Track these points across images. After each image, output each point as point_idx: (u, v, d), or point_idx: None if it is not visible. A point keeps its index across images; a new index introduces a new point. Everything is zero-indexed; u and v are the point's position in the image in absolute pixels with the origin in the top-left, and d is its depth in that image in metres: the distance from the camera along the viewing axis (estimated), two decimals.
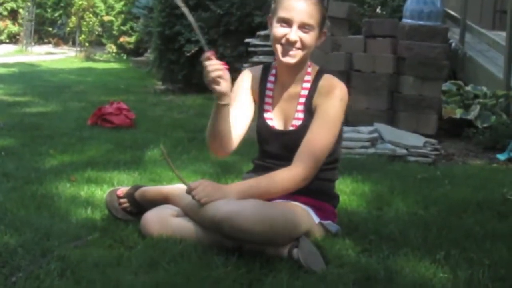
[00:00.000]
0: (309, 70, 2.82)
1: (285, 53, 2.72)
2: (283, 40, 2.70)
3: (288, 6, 2.69)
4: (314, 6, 2.69)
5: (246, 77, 2.94)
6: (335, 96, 2.73)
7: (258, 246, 2.56)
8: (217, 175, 3.87)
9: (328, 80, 2.77)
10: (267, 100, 2.88)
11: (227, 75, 2.67)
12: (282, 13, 2.70)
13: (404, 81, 6.19)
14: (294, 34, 2.68)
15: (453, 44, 7.77)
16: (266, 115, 2.87)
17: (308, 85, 2.79)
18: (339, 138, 2.84)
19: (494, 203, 3.53)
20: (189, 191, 2.58)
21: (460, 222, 3.14)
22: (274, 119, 2.85)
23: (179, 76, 9.25)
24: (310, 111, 2.75)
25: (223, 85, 2.66)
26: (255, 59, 8.39)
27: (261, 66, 2.96)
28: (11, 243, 2.60)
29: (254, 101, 2.93)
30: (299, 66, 2.78)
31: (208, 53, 2.65)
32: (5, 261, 2.43)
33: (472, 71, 7.35)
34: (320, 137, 2.69)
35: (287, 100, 2.83)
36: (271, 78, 2.89)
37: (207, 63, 2.63)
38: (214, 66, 2.63)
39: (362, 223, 3.04)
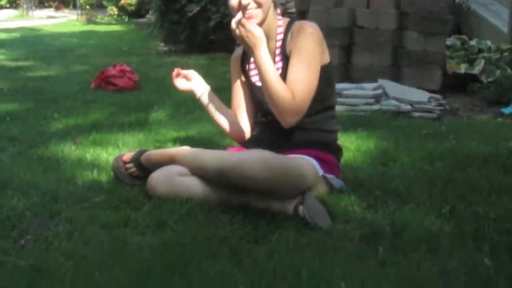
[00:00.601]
0: (280, 23, 2.88)
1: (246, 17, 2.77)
2: (239, 8, 2.73)
3: None
4: None
5: (233, 64, 3.12)
6: (304, 32, 2.77)
7: (263, 203, 2.57)
8: (221, 135, 3.87)
9: (298, 24, 2.84)
10: (252, 66, 2.96)
11: (192, 75, 3.10)
12: None
13: (407, 36, 6.14)
14: None
15: None
16: (253, 79, 2.96)
17: (281, 36, 2.86)
18: (330, 85, 2.91)
19: (500, 157, 3.53)
20: (237, 22, 2.68)
21: (465, 176, 3.14)
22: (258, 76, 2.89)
23: (182, 36, 9.19)
24: (286, 57, 2.82)
25: (182, 84, 3.11)
26: None
27: None
28: (19, 207, 2.62)
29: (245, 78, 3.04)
30: (268, 24, 2.82)
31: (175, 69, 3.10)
32: (13, 225, 2.46)
33: (476, 25, 7.30)
34: (301, 75, 2.72)
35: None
36: None
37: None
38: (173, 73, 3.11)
39: (367, 179, 3.05)
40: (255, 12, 2.73)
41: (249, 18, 2.70)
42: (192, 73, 3.11)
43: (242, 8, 2.72)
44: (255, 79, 2.94)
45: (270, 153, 2.56)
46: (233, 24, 2.69)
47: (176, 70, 3.09)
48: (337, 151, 2.96)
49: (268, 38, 2.79)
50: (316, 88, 2.75)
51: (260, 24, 2.75)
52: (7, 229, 2.42)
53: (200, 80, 3.11)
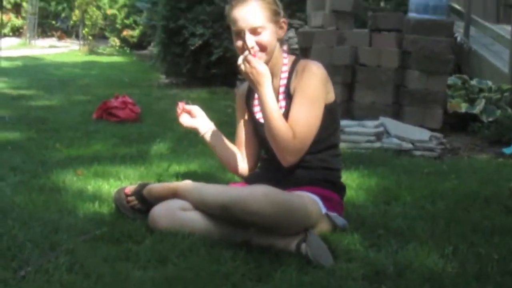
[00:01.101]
0: (286, 61, 2.88)
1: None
2: (243, 50, 2.75)
3: (233, 19, 2.77)
4: (257, 8, 2.75)
5: (237, 99, 3.14)
6: (309, 72, 2.77)
7: (266, 240, 2.56)
8: (223, 170, 3.86)
9: (303, 63, 2.84)
10: (256, 102, 2.95)
11: (196, 111, 3.09)
12: (232, 27, 2.79)
13: (409, 75, 6.18)
14: (248, 41, 2.73)
15: (458, 38, 7.75)
16: (257, 115, 2.95)
17: (286, 74, 2.87)
18: (334, 123, 2.91)
19: (501, 197, 3.53)
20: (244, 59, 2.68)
21: (467, 216, 3.13)
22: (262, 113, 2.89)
23: (184, 69, 9.24)
24: (289, 96, 2.82)
25: (186, 121, 3.11)
26: None
27: None
28: (20, 237, 2.60)
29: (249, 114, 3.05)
30: (273, 61, 2.83)
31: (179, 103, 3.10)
32: (14, 255, 2.43)
33: (477, 65, 7.34)
34: (302, 111, 2.73)
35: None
36: None
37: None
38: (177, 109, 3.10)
39: (370, 218, 3.04)
40: (259, 55, 2.74)
41: (255, 55, 2.71)
42: (196, 110, 3.11)
43: (247, 50, 2.73)
44: (259, 115, 2.93)
45: (274, 188, 2.56)
46: (240, 60, 2.70)
47: (180, 106, 3.09)
48: (340, 189, 2.96)
49: (272, 75, 2.79)
50: (318, 128, 2.76)
51: (265, 63, 2.75)
52: (8, 259, 2.40)
53: (204, 117, 3.11)
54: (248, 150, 3.07)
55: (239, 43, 2.76)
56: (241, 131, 3.09)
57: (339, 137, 3.02)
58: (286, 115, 2.77)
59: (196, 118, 3.11)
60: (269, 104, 2.70)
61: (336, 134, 2.95)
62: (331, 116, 2.84)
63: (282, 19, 2.83)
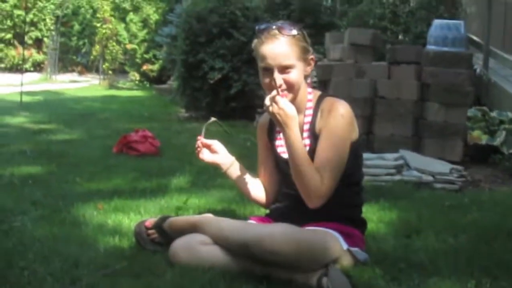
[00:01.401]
0: (310, 97, 2.85)
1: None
2: (270, 87, 2.72)
3: (262, 55, 2.73)
4: (287, 45, 2.71)
5: (259, 131, 3.08)
6: (336, 113, 2.74)
7: (286, 273, 2.55)
8: (243, 203, 3.87)
9: (329, 101, 2.81)
10: (278, 136, 2.93)
11: (217, 146, 3.04)
12: (260, 63, 2.76)
13: (429, 107, 6.16)
14: (278, 79, 2.70)
15: (478, 70, 7.74)
16: (279, 149, 2.93)
17: (310, 111, 2.83)
18: (357, 160, 2.88)
19: None
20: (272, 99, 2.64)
21: (490, 249, 3.10)
22: (283, 147, 2.87)
23: (203, 103, 9.27)
24: (314, 135, 2.79)
25: (207, 157, 3.06)
26: None
27: None
28: (40, 271, 2.61)
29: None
30: (298, 98, 2.80)
31: (198, 137, 3.08)
32: None
33: (496, 96, 7.31)
34: (331, 154, 2.71)
35: None
36: None
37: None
38: (197, 146, 3.05)
39: (391, 251, 3.02)
40: (285, 93, 2.71)
41: (283, 95, 2.68)
42: (216, 145, 3.07)
43: (273, 89, 2.70)
44: (280, 150, 2.91)
45: (294, 227, 2.55)
46: (267, 101, 2.67)
47: (199, 143, 3.06)
48: (362, 224, 2.94)
49: (297, 111, 2.77)
50: (343, 170, 2.74)
51: (291, 101, 2.74)
52: None
53: (225, 152, 3.08)
54: (270, 184, 3.04)
55: (267, 79, 2.73)
56: (263, 163, 3.06)
57: (362, 173, 2.98)
58: (310, 153, 2.75)
59: (217, 154, 3.07)
60: (297, 147, 2.68)
61: (359, 171, 2.93)
62: (355, 153, 2.82)
63: (311, 56, 2.81)
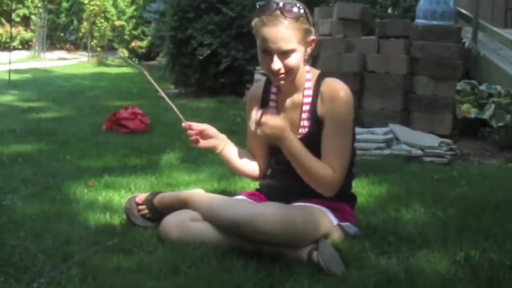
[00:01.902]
0: (309, 76, 2.78)
1: (274, 79, 2.73)
2: (268, 69, 2.68)
3: (263, 37, 2.63)
4: (289, 29, 2.61)
5: (250, 102, 2.94)
6: (339, 100, 2.68)
7: (277, 249, 2.56)
8: (233, 179, 3.88)
9: (329, 84, 2.72)
10: (271, 111, 2.84)
11: (210, 130, 2.91)
12: (259, 42, 2.67)
13: (418, 81, 6.17)
14: (276, 64, 2.63)
15: (466, 44, 7.75)
16: None
17: (310, 92, 2.76)
18: (354, 135, 2.84)
19: None
20: (257, 122, 2.53)
21: (479, 222, 3.12)
22: None
23: (192, 79, 9.26)
24: (316, 119, 2.73)
25: (203, 143, 2.88)
26: None
27: (263, 80, 2.94)
28: (32, 249, 2.61)
29: None
30: (296, 77, 2.74)
31: (184, 124, 2.89)
32: (26, 267, 2.45)
33: (485, 70, 7.33)
34: (339, 143, 2.68)
35: (291, 109, 2.81)
36: (274, 89, 2.88)
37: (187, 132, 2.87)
38: (190, 135, 2.86)
39: (381, 225, 3.03)
40: (283, 76, 2.67)
41: (264, 113, 2.57)
42: (209, 129, 2.93)
43: (271, 72, 2.66)
44: None
45: (285, 207, 2.56)
46: (252, 126, 2.55)
47: (190, 129, 2.88)
48: (351, 199, 2.93)
49: (294, 89, 2.75)
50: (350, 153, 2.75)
51: (290, 82, 2.72)
52: (20, 272, 2.41)
53: (218, 133, 2.95)
54: (261, 157, 2.99)
55: (264, 59, 2.66)
56: (253, 139, 2.96)
57: (355, 149, 2.93)
58: (309, 134, 2.73)
59: (212, 138, 2.92)
60: (300, 152, 2.63)
61: (352, 147, 2.88)
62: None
63: (312, 37, 2.72)
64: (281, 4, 2.62)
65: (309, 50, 2.73)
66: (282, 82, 2.71)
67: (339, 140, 2.68)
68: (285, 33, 2.60)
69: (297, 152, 2.63)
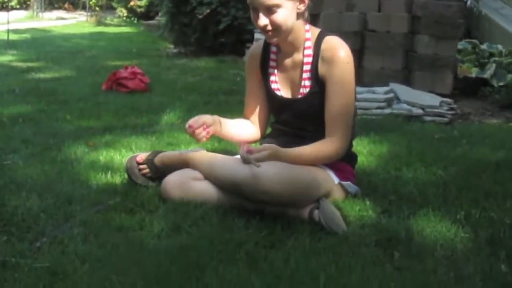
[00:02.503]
0: (308, 35, 2.75)
1: (266, 36, 2.71)
2: (257, 26, 2.66)
3: None
4: None
5: (250, 61, 2.95)
6: (340, 61, 2.65)
7: (279, 208, 2.57)
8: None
9: (329, 43, 2.69)
10: (272, 71, 2.86)
11: (207, 120, 2.80)
12: (248, 1, 2.66)
13: (419, 40, 6.13)
14: (261, 20, 2.61)
15: (468, 2, 7.69)
16: (273, 86, 2.86)
17: (310, 51, 2.73)
18: (355, 92, 2.80)
19: None
20: (247, 159, 2.47)
21: (479, 181, 3.13)
22: (282, 89, 2.84)
23: (192, 39, 9.20)
24: (317, 79, 2.71)
25: (206, 135, 2.79)
26: None
27: (263, 39, 2.90)
28: (34, 209, 2.63)
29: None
30: (294, 36, 2.72)
31: (188, 130, 2.76)
32: (29, 226, 2.47)
33: (487, 29, 7.29)
34: (342, 106, 2.66)
35: (292, 68, 2.79)
36: (273, 49, 2.86)
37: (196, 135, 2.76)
38: (200, 135, 2.76)
39: (381, 184, 3.04)
40: (274, 34, 2.65)
41: (250, 151, 2.48)
42: (206, 120, 2.81)
43: (260, 28, 2.65)
44: (274, 86, 2.85)
45: (286, 166, 2.55)
46: (244, 161, 2.49)
47: (192, 130, 2.76)
48: (352, 159, 2.93)
49: (294, 49, 2.73)
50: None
51: (283, 39, 2.70)
52: (23, 231, 2.43)
53: (213, 119, 2.85)
54: (260, 116, 2.97)
55: (253, 16, 2.66)
56: (252, 98, 2.97)
57: (355, 108, 2.90)
58: (311, 94, 2.71)
59: (211, 126, 2.81)
60: (298, 157, 2.63)
61: (354, 104, 2.85)
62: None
63: None
64: None
65: (302, 7, 2.69)
66: (274, 39, 2.69)
67: (341, 102, 2.66)
68: None
69: (295, 159, 2.62)
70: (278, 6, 2.60)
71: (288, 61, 2.80)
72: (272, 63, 2.85)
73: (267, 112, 2.98)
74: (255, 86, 2.94)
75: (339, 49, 2.67)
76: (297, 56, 2.76)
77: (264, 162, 2.50)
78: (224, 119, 2.93)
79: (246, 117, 3.02)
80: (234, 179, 2.55)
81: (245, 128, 2.99)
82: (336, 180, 2.75)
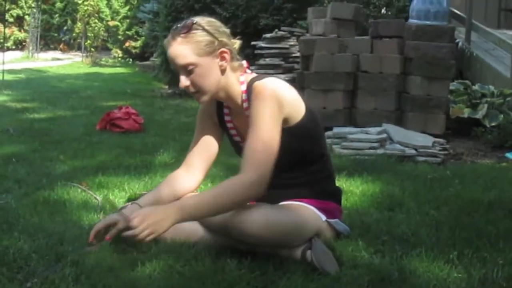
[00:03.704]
0: (244, 87, 2.68)
1: (195, 99, 2.69)
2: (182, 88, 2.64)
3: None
4: (182, 44, 2.56)
5: (205, 108, 2.85)
6: (258, 96, 2.56)
7: (271, 249, 2.57)
8: (226, 177, 3.87)
9: (255, 88, 2.60)
10: (229, 125, 2.81)
11: (112, 219, 2.64)
12: None
13: (411, 81, 6.19)
14: (182, 81, 2.59)
15: (460, 44, 7.77)
16: (234, 137, 2.83)
17: (246, 104, 2.67)
18: (310, 137, 2.72)
19: (505, 202, 3.52)
20: (130, 235, 2.41)
21: (472, 221, 3.13)
22: (239, 136, 2.81)
23: None
24: None
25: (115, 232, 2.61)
26: (261, 61, 8.42)
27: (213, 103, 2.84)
28: (25, 249, 2.61)
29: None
30: (228, 92, 2.67)
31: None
32: (19, 267, 2.44)
33: (478, 70, 7.36)
34: (256, 142, 2.52)
35: (240, 117, 2.74)
36: (226, 110, 2.82)
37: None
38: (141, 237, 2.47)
39: (374, 224, 3.04)
40: (198, 95, 2.63)
41: (139, 239, 2.41)
42: (112, 220, 2.66)
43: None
44: (234, 136, 2.82)
45: (271, 209, 2.54)
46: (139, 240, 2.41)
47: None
48: (335, 194, 2.87)
49: (237, 105, 2.69)
50: (276, 150, 2.53)
51: (216, 96, 2.67)
52: (14, 272, 2.41)
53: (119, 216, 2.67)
54: (206, 161, 2.86)
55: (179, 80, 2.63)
56: (202, 139, 2.85)
57: (323, 147, 2.84)
58: None
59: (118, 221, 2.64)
60: (196, 213, 2.48)
61: (316, 148, 2.77)
62: (304, 132, 2.67)
63: (221, 49, 2.59)
64: (179, 24, 2.62)
65: (224, 63, 2.61)
66: (202, 99, 2.65)
67: (254, 138, 2.53)
68: (179, 49, 2.57)
69: (195, 215, 2.49)
70: (193, 65, 2.56)
71: (239, 118, 2.76)
72: (227, 118, 2.80)
73: (212, 159, 2.88)
74: (206, 128, 2.86)
75: (259, 90, 2.58)
76: (241, 106, 2.71)
77: (250, 205, 2.52)
78: (149, 195, 2.83)
79: (189, 161, 2.90)
80: (221, 222, 2.52)
81: (178, 183, 2.84)
82: (323, 217, 2.71)
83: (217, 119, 2.84)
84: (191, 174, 2.86)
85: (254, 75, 2.73)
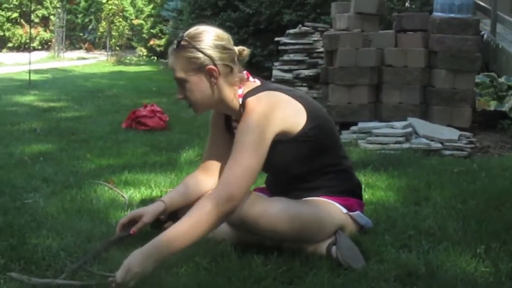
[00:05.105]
0: (240, 101, 2.63)
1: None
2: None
3: None
4: (175, 58, 2.57)
5: (215, 115, 2.87)
6: (246, 118, 2.53)
7: (296, 244, 2.57)
8: None
9: (247, 106, 2.58)
10: (234, 124, 2.78)
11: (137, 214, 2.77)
12: None
13: (436, 74, 6.15)
14: (178, 93, 2.61)
15: (485, 36, 7.69)
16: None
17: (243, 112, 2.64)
18: (317, 147, 2.65)
19: None
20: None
21: (499, 214, 3.11)
22: None
23: None
24: None
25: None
26: (285, 57, 8.41)
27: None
28: (54, 247, 2.64)
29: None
30: (226, 106, 2.66)
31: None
32: (48, 265, 2.48)
33: (504, 62, 7.27)
34: (234, 162, 2.46)
35: None
36: (234, 124, 2.80)
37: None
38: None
39: (400, 219, 3.03)
40: (192, 108, 2.64)
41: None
42: (136, 215, 2.78)
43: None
44: None
45: (290, 203, 2.54)
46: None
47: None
48: (354, 189, 2.82)
49: (232, 111, 2.68)
50: (253, 181, 2.48)
51: (205, 110, 2.67)
52: (42, 269, 2.44)
53: (149, 209, 2.79)
54: (221, 163, 2.80)
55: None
56: (216, 144, 2.88)
57: (339, 147, 2.79)
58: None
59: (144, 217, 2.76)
60: (167, 249, 2.35)
61: (327, 158, 2.71)
62: (309, 143, 2.62)
63: (209, 67, 2.53)
64: (181, 34, 2.64)
65: (214, 80, 2.57)
66: (197, 111, 2.66)
67: (234, 159, 2.47)
68: (172, 63, 2.59)
69: (170, 251, 2.37)
70: (184, 80, 2.56)
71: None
72: (235, 130, 2.74)
73: (227, 158, 2.72)
74: (220, 131, 2.87)
75: (249, 109, 2.55)
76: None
77: (270, 200, 2.54)
78: (173, 194, 2.87)
79: (205, 165, 2.90)
80: (243, 218, 2.47)
81: (198, 185, 2.85)
82: (344, 210, 2.69)
83: (225, 125, 2.85)
84: (209, 176, 2.86)
85: (255, 84, 2.68)
